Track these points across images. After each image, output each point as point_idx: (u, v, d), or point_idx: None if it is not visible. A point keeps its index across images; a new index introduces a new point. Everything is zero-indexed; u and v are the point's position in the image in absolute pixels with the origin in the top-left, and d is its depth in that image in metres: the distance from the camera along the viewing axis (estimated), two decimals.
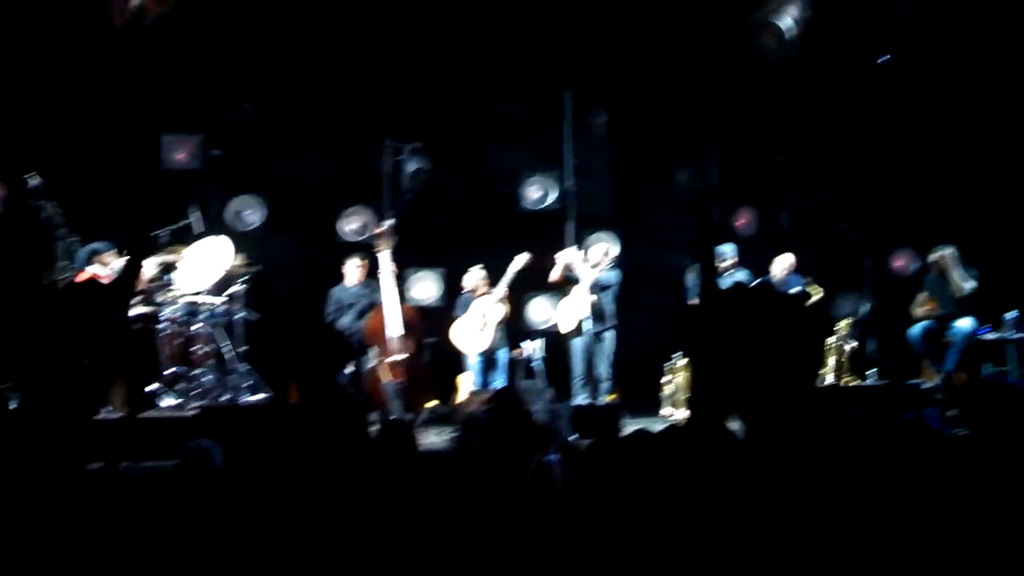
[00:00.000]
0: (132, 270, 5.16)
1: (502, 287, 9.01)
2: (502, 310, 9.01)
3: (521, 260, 9.03)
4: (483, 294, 9.12)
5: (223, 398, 8.09)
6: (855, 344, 8.86)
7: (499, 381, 8.99)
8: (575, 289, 8.98)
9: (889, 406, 7.38)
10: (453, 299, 9.61)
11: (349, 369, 8.72)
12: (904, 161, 10.97)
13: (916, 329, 8.61)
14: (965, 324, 8.32)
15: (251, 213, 9.77)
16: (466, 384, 9.00)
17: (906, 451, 3.18)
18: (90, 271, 7.86)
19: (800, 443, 3.44)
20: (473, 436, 3.61)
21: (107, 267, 7.97)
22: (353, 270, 9.19)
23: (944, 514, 2.87)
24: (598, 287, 8.88)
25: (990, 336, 8.81)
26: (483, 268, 9.28)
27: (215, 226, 9.21)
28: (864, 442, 3.28)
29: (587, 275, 8.91)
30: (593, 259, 9.07)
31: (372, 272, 9.02)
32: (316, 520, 3.08)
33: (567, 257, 9.10)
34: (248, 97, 9.89)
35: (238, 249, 8.62)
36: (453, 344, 9.16)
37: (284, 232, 10.05)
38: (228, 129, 9.85)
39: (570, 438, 7.48)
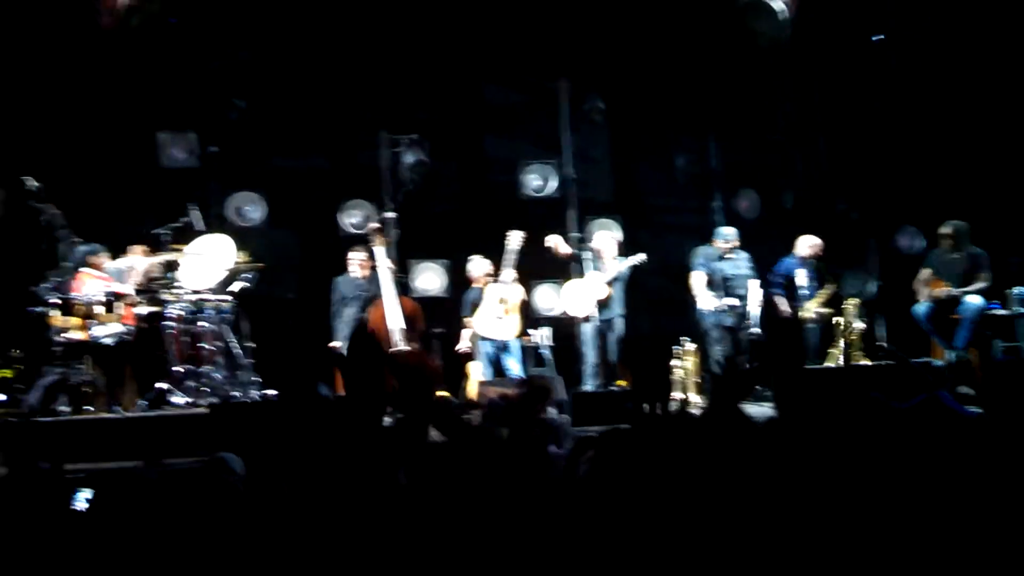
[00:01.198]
0: None
1: (510, 270, 8.96)
2: (519, 292, 8.98)
3: (517, 238, 8.96)
4: (489, 282, 9.07)
5: (232, 395, 8.04)
6: (864, 324, 8.77)
7: (515, 369, 8.91)
8: (589, 276, 8.96)
9: (900, 387, 7.32)
10: (458, 290, 9.55)
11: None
12: (904, 138, 10.92)
13: (923, 307, 8.53)
14: (975, 300, 8.25)
15: (251, 209, 9.74)
16: (475, 374, 8.95)
17: (925, 433, 3.14)
18: (84, 273, 7.82)
19: (819, 426, 3.40)
20: (495, 424, 3.57)
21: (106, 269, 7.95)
22: (355, 263, 9.13)
23: (966, 495, 2.83)
24: (617, 278, 8.93)
25: (999, 312, 8.72)
26: (484, 257, 9.22)
27: (216, 223, 9.17)
28: (883, 425, 3.25)
29: (613, 266, 8.91)
30: (613, 251, 9.07)
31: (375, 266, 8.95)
32: (327, 515, 3.04)
33: (598, 244, 9.12)
34: (243, 94, 9.82)
35: (240, 246, 8.56)
36: (468, 336, 9.09)
37: (285, 227, 10.01)
38: (224, 126, 9.79)
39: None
